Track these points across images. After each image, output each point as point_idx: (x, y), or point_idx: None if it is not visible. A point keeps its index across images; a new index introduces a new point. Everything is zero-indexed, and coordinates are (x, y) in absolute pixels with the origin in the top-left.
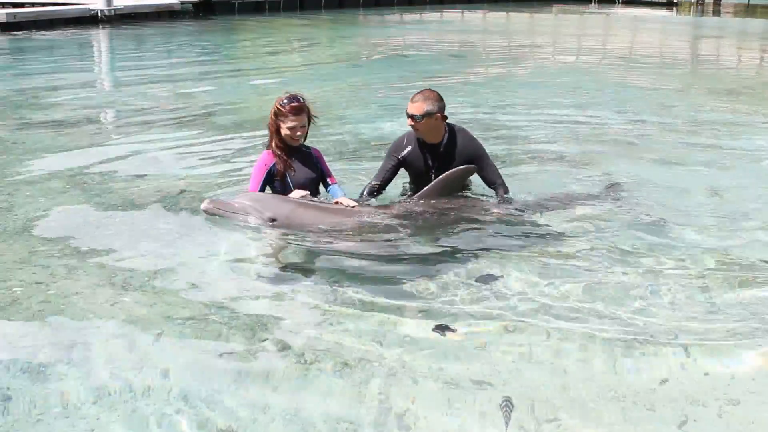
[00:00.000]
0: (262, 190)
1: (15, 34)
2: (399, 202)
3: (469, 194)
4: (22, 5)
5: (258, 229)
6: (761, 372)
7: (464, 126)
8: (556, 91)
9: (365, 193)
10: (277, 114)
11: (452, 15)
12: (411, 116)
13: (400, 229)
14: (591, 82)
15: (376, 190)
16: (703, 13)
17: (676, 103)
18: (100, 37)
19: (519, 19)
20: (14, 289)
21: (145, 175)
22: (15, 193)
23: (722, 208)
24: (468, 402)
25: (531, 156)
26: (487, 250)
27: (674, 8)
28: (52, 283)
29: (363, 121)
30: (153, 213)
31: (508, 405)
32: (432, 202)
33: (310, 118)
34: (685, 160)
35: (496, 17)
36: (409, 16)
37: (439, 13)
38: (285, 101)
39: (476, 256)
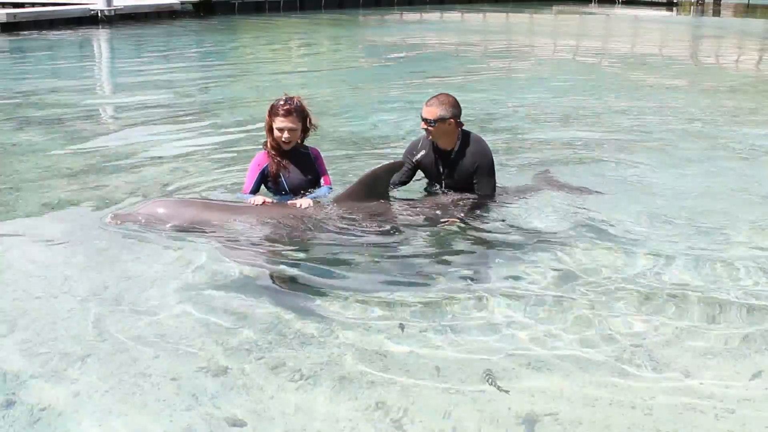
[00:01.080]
0: (257, 189)
1: (15, 34)
2: (322, 203)
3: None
4: (22, 5)
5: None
6: (756, 381)
7: (476, 131)
8: (557, 89)
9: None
10: (270, 111)
11: (452, 15)
12: (424, 120)
13: (304, 229)
14: (590, 80)
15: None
16: (703, 13)
17: (677, 101)
18: (100, 37)
19: (518, 19)
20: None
21: (144, 175)
22: (12, 193)
23: (710, 207)
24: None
25: (529, 152)
26: (398, 256)
27: (674, 8)
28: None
29: (362, 121)
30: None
31: (490, 376)
32: (351, 204)
33: (306, 124)
34: (682, 156)
35: (496, 18)
36: (409, 17)
37: (439, 14)
38: (280, 101)
39: (378, 260)
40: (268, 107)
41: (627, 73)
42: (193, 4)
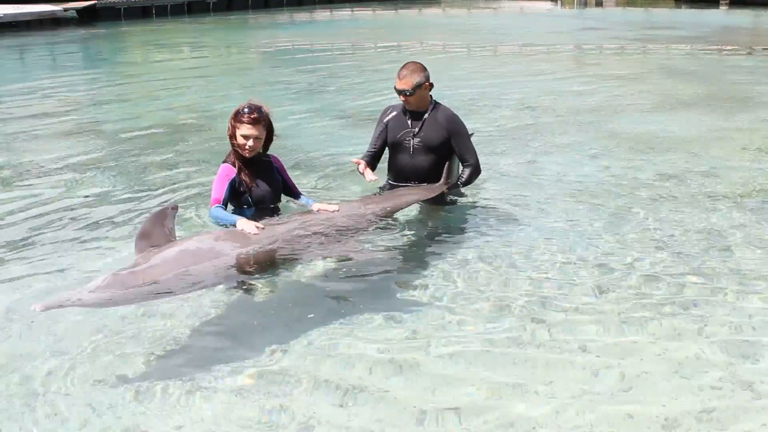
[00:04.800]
0: (228, 200)
1: None
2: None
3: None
4: None
5: None
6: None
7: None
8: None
9: (365, 160)
10: (235, 117)
11: (342, 14)
12: (402, 92)
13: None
14: (481, 73)
15: (372, 157)
16: (586, 5)
17: (562, 91)
18: None
19: (407, 16)
20: None
21: (39, 192)
22: None
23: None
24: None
25: None
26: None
27: (558, 1)
28: None
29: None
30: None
31: None
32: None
33: (270, 133)
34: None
35: (385, 15)
36: (300, 17)
37: (328, 11)
38: (246, 109)
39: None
40: (232, 113)
41: (514, 66)
42: (77, 10)
